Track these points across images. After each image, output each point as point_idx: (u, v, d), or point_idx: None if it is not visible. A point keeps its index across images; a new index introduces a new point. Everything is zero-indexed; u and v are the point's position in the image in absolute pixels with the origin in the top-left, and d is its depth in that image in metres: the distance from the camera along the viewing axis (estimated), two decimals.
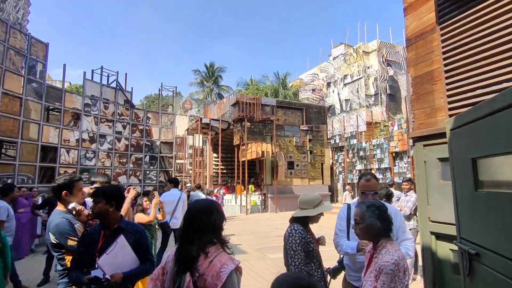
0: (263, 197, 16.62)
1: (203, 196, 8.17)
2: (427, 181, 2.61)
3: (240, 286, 1.58)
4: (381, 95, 23.81)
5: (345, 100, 26.07)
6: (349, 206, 2.62)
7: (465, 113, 1.80)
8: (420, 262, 4.87)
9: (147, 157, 15.42)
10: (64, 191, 2.45)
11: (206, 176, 19.30)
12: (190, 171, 19.55)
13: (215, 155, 19.29)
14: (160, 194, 5.78)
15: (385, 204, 1.91)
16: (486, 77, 2.22)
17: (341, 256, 2.62)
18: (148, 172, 15.37)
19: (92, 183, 3.88)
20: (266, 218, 13.72)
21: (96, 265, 1.95)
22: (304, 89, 31.12)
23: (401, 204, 5.52)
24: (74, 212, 2.45)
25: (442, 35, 2.53)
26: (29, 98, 10.67)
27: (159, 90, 18.82)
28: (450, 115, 2.41)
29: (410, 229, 4.15)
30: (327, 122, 20.08)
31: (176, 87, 20.34)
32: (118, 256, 2.00)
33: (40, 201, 7.96)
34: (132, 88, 15.56)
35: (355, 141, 17.57)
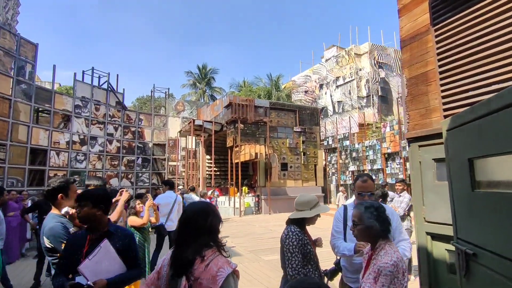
0: (256, 199, 16.59)
1: (196, 198, 8.10)
2: (422, 182, 2.61)
3: None
4: (373, 97, 24.04)
5: (338, 101, 26.25)
6: (345, 207, 2.62)
7: (461, 114, 1.80)
8: (414, 262, 4.90)
9: (140, 159, 15.26)
10: (60, 194, 2.40)
11: (199, 178, 19.18)
12: (183, 173, 19.41)
13: (208, 157, 19.20)
14: (153, 197, 5.73)
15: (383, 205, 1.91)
16: (480, 78, 2.24)
17: (338, 257, 2.61)
18: (140, 174, 15.21)
19: (87, 186, 3.80)
20: (260, 220, 13.68)
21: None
22: (297, 90, 31.25)
23: (394, 204, 5.55)
24: (67, 216, 2.40)
25: (436, 36, 2.55)
26: (18, 100, 10.46)
27: (152, 92, 18.65)
28: (445, 116, 2.43)
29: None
30: (320, 124, 20.17)
31: (168, 89, 20.35)
32: (102, 262, 1.92)
33: (29, 204, 7.80)
34: (124, 89, 15.37)
35: (347, 142, 17.68)
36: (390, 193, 6.27)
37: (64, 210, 2.38)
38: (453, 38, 2.43)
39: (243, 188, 16.84)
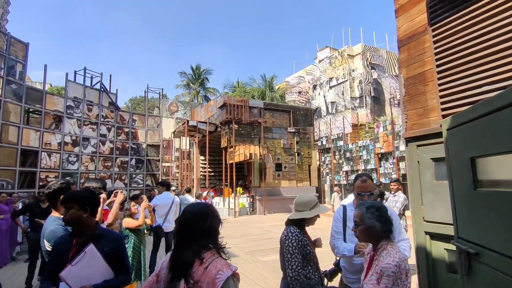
0: (251, 200, 16.55)
1: (192, 199, 8.02)
2: (420, 181, 2.62)
3: None
4: (365, 98, 24.24)
5: (331, 102, 26.39)
6: (344, 207, 2.60)
7: (462, 113, 1.80)
8: (412, 261, 4.92)
9: (133, 160, 15.07)
10: (61, 196, 2.33)
11: (193, 179, 19.07)
12: (177, 174, 19.27)
13: (202, 157, 19.09)
14: (149, 198, 5.67)
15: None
16: (478, 78, 2.25)
17: (338, 258, 2.60)
18: (134, 175, 15.03)
19: None
20: (255, 221, 13.64)
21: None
22: (291, 91, 31.32)
23: (390, 204, 5.57)
24: None
25: (434, 36, 2.56)
26: (8, 100, 10.24)
27: (145, 92, 18.47)
28: (443, 116, 2.44)
29: None
30: (313, 124, 20.23)
31: (162, 89, 20.12)
32: (87, 267, 1.83)
33: (20, 207, 7.65)
34: (117, 90, 15.17)
35: (341, 142, 17.78)
36: (385, 193, 6.30)
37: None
38: (450, 38, 2.44)
39: (238, 188, 16.79)
